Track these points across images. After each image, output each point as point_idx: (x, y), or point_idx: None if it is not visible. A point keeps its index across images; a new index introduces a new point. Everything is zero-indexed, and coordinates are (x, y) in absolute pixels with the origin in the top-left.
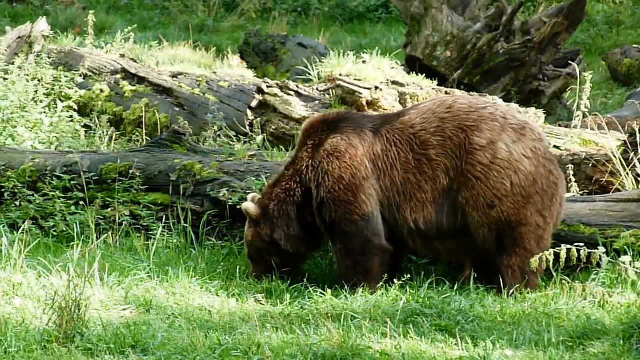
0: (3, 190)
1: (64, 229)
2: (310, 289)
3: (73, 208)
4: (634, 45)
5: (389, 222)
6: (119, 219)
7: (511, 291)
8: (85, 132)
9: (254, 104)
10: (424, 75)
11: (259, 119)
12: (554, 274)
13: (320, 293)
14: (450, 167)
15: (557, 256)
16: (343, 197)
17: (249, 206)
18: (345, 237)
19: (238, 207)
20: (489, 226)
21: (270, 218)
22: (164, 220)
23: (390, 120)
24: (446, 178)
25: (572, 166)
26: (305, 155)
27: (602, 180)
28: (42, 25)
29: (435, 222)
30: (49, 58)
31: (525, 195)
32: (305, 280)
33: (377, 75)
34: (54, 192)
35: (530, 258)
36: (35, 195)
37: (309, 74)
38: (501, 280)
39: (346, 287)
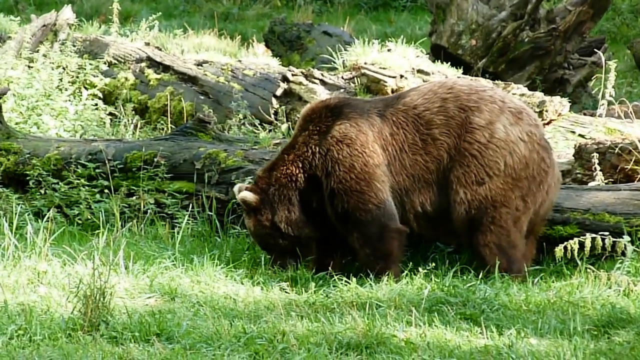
0: (28, 178)
1: (89, 217)
2: (335, 277)
3: (98, 196)
4: None
5: (396, 206)
6: (144, 207)
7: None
8: (110, 120)
9: (278, 92)
10: (449, 63)
11: (283, 107)
12: (579, 262)
13: (345, 281)
14: (452, 146)
15: (582, 245)
16: (355, 187)
17: (247, 195)
18: (361, 225)
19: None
20: (470, 203)
21: (270, 202)
22: (188, 209)
23: (391, 102)
24: (448, 157)
25: (597, 155)
26: (309, 141)
27: (627, 169)
28: (67, 13)
29: (439, 203)
30: (74, 46)
31: (515, 178)
32: (329, 268)
33: (402, 64)
34: (79, 180)
35: (506, 236)
36: (60, 183)
37: (334, 62)
38: (481, 259)
39: (370, 274)
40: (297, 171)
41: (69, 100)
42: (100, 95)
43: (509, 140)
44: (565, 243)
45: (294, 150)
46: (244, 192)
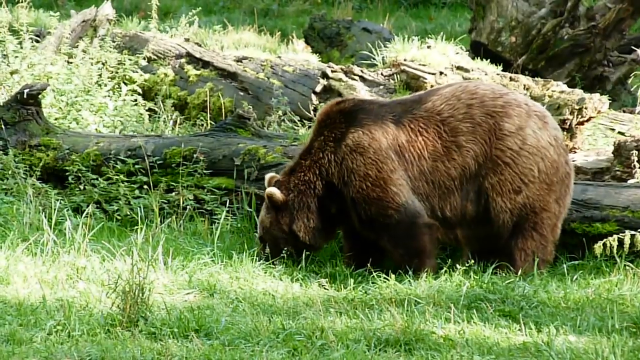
0: (67, 174)
1: (128, 213)
2: (374, 273)
3: (137, 192)
4: None
5: None
6: (183, 203)
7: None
8: (150, 116)
9: (318, 88)
10: (489, 60)
11: (323, 104)
12: (618, 260)
13: (384, 278)
14: (479, 153)
15: (621, 242)
16: (372, 195)
17: (275, 192)
18: (388, 230)
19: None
20: (511, 212)
21: (289, 209)
22: (227, 205)
23: (410, 107)
24: (475, 165)
25: (636, 152)
26: (325, 147)
27: None
28: (106, 9)
29: (460, 209)
30: (113, 42)
31: (548, 182)
32: (369, 265)
33: (441, 61)
34: (118, 176)
35: (543, 246)
36: (99, 179)
37: (374, 59)
38: (512, 261)
39: (410, 272)
40: (315, 178)
41: (108, 96)
42: (140, 91)
43: (540, 146)
44: (604, 240)
45: (311, 156)
46: (272, 188)
